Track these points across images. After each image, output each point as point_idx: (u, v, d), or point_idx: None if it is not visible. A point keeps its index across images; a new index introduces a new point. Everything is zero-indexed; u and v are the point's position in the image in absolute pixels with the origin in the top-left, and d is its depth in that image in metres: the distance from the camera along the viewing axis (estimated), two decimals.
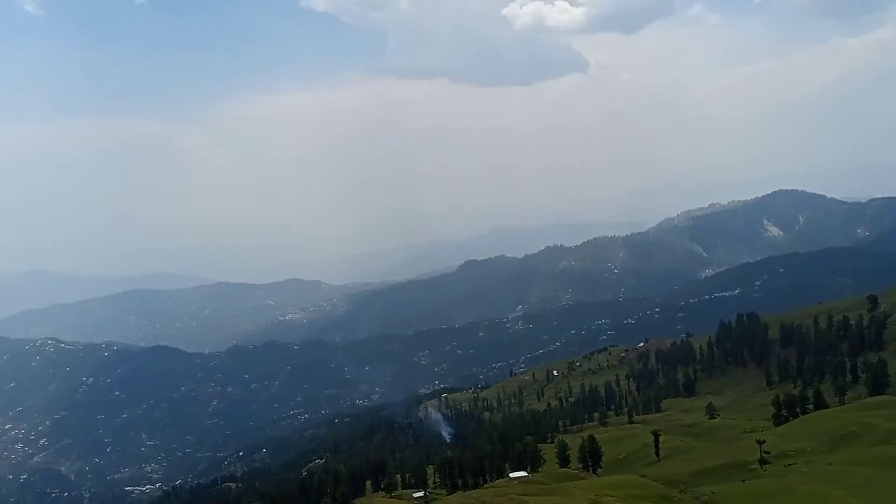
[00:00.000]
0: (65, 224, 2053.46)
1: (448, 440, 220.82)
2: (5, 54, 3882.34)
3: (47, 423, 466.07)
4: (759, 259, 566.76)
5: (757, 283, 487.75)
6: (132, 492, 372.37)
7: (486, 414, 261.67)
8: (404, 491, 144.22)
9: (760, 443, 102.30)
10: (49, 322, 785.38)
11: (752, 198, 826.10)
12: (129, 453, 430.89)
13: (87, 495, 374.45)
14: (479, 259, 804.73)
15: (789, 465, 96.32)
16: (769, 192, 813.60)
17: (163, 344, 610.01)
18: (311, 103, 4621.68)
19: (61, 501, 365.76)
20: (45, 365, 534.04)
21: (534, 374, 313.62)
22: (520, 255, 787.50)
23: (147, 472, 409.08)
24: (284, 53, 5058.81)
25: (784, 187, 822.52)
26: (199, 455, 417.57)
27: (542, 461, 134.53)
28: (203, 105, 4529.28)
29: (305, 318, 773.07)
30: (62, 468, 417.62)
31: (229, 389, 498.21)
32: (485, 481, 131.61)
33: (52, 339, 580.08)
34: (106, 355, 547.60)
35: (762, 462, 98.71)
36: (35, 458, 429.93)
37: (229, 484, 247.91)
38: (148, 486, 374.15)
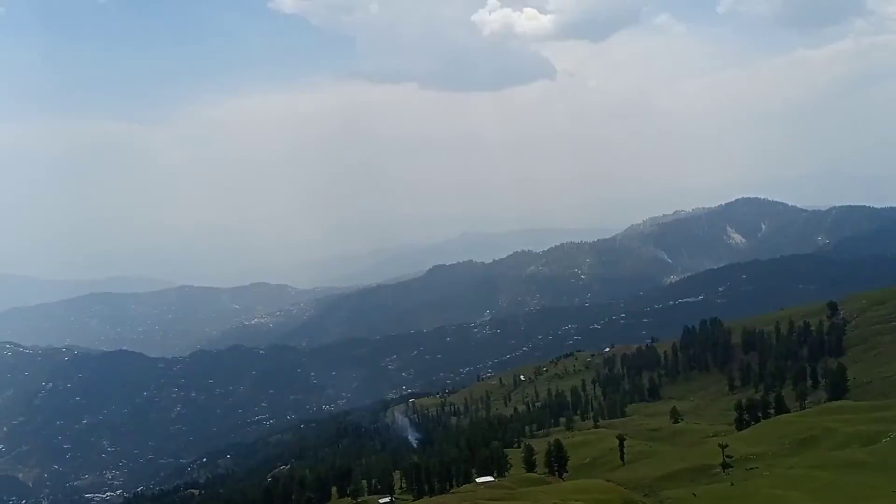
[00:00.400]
0: (25, 226, 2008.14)
1: (415, 445, 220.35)
2: None
3: (5, 429, 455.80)
4: (722, 265, 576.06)
5: (720, 289, 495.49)
6: (92, 499, 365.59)
7: (454, 419, 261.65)
8: (370, 497, 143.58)
9: (723, 447, 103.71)
10: (7, 326, 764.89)
11: (716, 205, 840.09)
12: (90, 460, 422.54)
13: (45, 503, 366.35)
14: (448, 264, 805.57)
15: (751, 468, 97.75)
16: (732, 200, 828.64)
17: (125, 348, 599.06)
18: (279, 106, 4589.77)
19: None
20: (3, 370, 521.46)
21: (501, 378, 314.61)
22: (488, 261, 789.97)
23: (108, 478, 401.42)
24: (252, 55, 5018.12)
25: (747, 195, 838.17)
26: (161, 461, 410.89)
27: (508, 466, 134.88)
28: (169, 106, 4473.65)
29: (272, 323, 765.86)
30: (20, 475, 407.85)
31: (193, 395, 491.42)
32: (451, 486, 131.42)
33: (10, 343, 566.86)
34: (66, 360, 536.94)
35: (724, 466, 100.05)
36: None
37: (192, 490, 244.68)
38: (109, 494, 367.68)
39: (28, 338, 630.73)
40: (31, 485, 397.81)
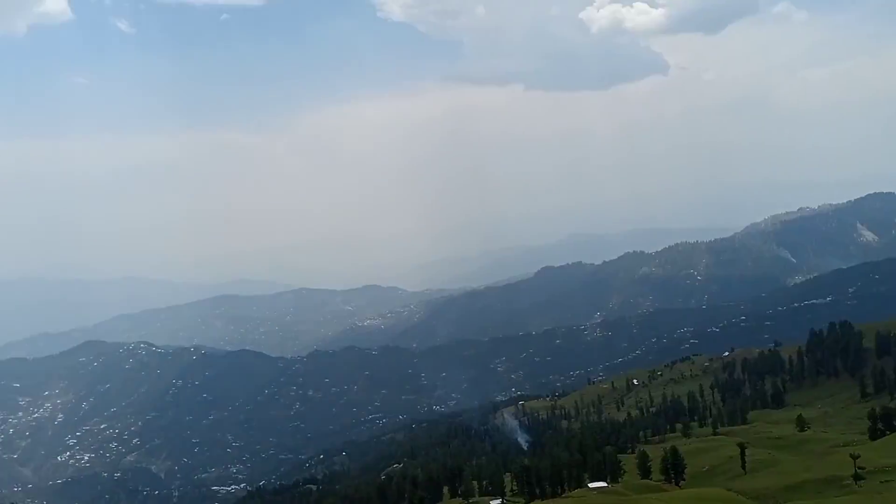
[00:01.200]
0: (159, 233, 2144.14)
1: (525, 448, 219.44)
2: (103, 71, 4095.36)
3: (139, 423, 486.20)
4: (852, 265, 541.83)
5: (850, 289, 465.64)
6: (218, 492, 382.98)
7: (564, 422, 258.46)
8: (481, 498, 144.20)
9: (854, 457, 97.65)
10: (141, 326, 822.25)
11: (845, 201, 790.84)
12: (216, 454, 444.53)
13: (175, 494, 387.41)
14: (556, 265, 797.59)
15: (886, 481, 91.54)
16: (863, 195, 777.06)
17: (247, 348, 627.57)
18: (388, 112, 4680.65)
19: (152, 500, 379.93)
20: (138, 367, 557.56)
21: (613, 382, 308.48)
22: (598, 262, 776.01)
23: (232, 472, 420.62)
24: (362, 64, 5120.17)
25: (878, 189, 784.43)
26: (281, 457, 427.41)
27: (622, 472, 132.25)
28: (285, 115, 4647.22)
29: (383, 324, 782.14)
30: (153, 467, 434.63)
31: (310, 393, 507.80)
32: (563, 491, 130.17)
33: (143, 342, 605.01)
34: (194, 359, 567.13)
35: (856, 477, 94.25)
36: (128, 457, 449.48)
37: (310, 486, 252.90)
38: (233, 487, 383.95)
39: (160, 338, 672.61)
40: (163, 476, 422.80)
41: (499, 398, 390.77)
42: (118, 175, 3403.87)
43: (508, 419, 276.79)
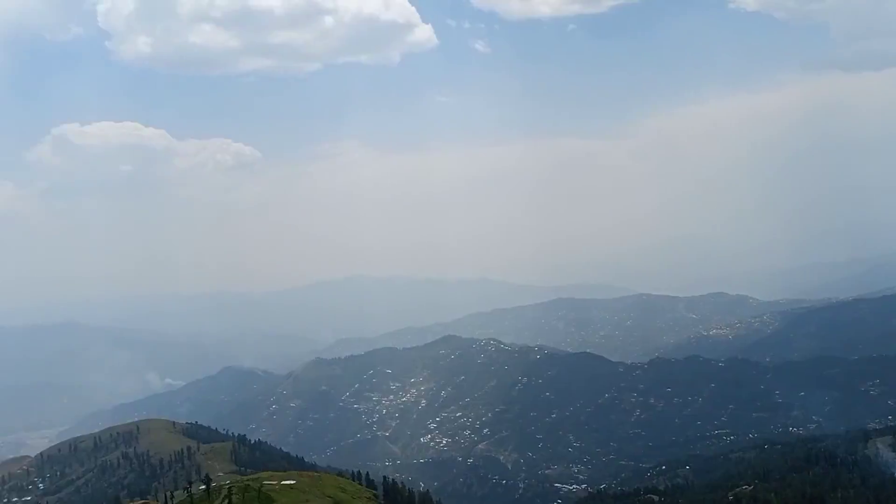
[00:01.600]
0: (503, 237, 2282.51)
1: None
2: (462, 89, 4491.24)
3: (489, 414, 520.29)
4: None
5: None
6: (560, 489, 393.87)
7: None
8: None
9: None
10: (491, 324, 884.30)
11: None
12: (557, 452, 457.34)
13: (521, 486, 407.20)
14: None
15: None
16: None
17: (588, 350, 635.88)
18: (736, 108, 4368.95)
19: (500, 488, 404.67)
20: (488, 362, 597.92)
21: None
22: None
23: (573, 472, 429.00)
24: (710, 60, 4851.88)
25: None
26: (621, 462, 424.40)
27: None
28: (627, 119, 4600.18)
29: (731, 335, 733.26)
30: (500, 457, 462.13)
31: (651, 401, 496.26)
32: None
33: (493, 339, 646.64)
34: (538, 358, 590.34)
35: None
36: (479, 445, 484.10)
37: (652, 496, 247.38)
38: (574, 486, 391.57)
39: (507, 336, 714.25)
40: (509, 467, 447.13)
41: (871, 425, 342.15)
42: (469, 184, 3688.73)
43: (883, 450, 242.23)
